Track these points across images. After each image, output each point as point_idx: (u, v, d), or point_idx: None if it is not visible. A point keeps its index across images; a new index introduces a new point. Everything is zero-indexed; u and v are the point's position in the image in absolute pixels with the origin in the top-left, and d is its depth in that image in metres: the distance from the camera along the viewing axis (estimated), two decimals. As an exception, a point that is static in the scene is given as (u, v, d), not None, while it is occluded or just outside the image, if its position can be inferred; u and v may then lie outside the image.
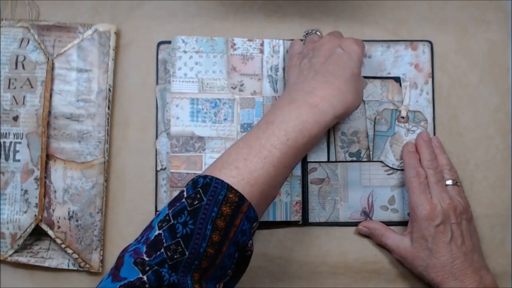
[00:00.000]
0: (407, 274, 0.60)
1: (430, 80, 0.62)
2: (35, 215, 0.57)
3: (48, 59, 0.58)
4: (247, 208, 0.44)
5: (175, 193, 0.57)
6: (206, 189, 0.43)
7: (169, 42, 0.60)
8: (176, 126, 0.58)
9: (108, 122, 0.59)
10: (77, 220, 0.58)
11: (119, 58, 0.61)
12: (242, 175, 0.45)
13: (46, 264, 0.58)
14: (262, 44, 0.60)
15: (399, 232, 0.60)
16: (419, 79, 0.61)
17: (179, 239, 0.42)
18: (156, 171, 0.60)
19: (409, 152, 0.59)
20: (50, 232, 0.57)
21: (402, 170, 0.60)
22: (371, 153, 0.61)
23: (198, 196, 0.43)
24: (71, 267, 0.58)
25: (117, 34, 0.60)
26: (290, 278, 0.59)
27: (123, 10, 0.62)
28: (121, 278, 0.41)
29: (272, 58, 0.60)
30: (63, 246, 0.57)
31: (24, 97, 0.58)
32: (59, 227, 0.57)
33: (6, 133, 0.58)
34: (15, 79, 0.59)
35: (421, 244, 0.55)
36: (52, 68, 0.59)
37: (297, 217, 0.59)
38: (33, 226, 0.57)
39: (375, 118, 0.61)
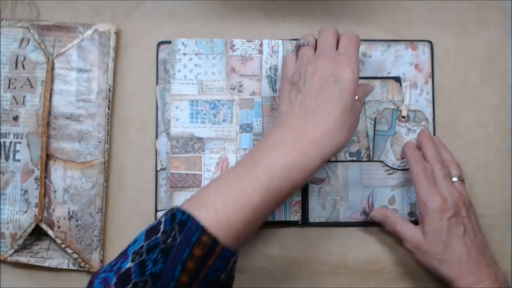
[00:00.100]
0: (407, 274, 0.60)
1: (430, 80, 0.61)
2: (35, 215, 0.57)
3: (48, 59, 0.59)
4: (221, 250, 0.43)
5: (175, 194, 0.58)
6: (181, 227, 0.43)
7: (169, 42, 0.60)
8: (176, 128, 0.58)
9: (108, 122, 0.59)
10: (77, 220, 0.58)
11: (119, 58, 0.61)
12: (219, 218, 0.44)
13: (46, 264, 0.58)
14: (261, 45, 0.60)
15: (399, 232, 0.60)
16: (419, 79, 0.61)
17: (148, 277, 0.42)
18: (156, 171, 0.60)
19: (412, 149, 0.59)
20: (50, 232, 0.57)
21: (403, 170, 0.60)
22: (371, 152, 0.61)
23: (173, 234, 0.43)
24: (71, 267, 0.58)
25: (117, 34, 0.60)
26: (290, 278, 0.59)
27: (123, 10, 0.62)
28: None
29: (271, 58, 0.60)
30: (63, 246, 0.57)
31: (24, 97, 0.58)
32: (59, 227, 0.57)
33: (6, 133, 0.58)
34: (15, 79, 0.59)
35: (435, 237, 0.54)
36: (52, 68, 0.59)
37: (297, 217, 0.59)
38: (33, 226, 0.57)
39: (375, 117, 0.61)
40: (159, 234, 0.43)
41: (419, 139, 0.60)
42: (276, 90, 0.60)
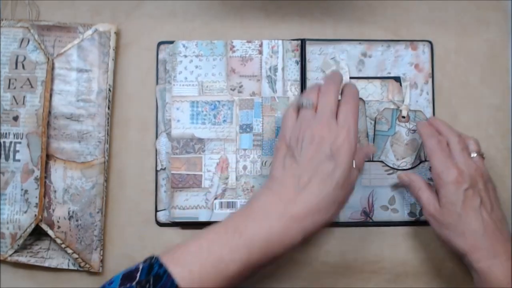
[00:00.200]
0: (407, 274, 0.60)
1: (430, 80, 0.61)
2: (35, 215, 0.57)
3: (48, 59, 0.58)
4: None
5: (176, 194, 0.58)
6: (156, 281, 0.43)
7: (169, 42, 0.60)
8: (176, 129, 0.58)
9: (108, 122, 0.59)
10: (77, 220, 0.58)
11: (119, 58, 0.61)
12: (193, 280, 0.44)
13: (46, 264, 0.58)
14: (261, 45, 0.60)
15: (400, 232, 0.60)
16: (419, 79, 0.61)
17: None
18: (156, 171, 0.60)
19: (425, 125, 0.57)
20: (50, 232, 0.57)
21: (403, 170, 0.60)
22: (371, 152, 0.61)
23: (147, 286, 0.43)
24: (71, 267, 0.58)
25: (117, 34, 0.60)
26: (290, 278, 0.60)
27: (123, 10, 0.62)
28: None
29: (271, 59, 0.60)
30: (63, 246, 0.57)
31: (24, 97, 0.58)
32: (59, 227, 0.57)
33: (6, 133, 0.58)
34: (15, 79, 0.59)
35: (449, 209, 0.53)
36: (52, 68, 0.59)
37: (297, 217, 0.59)
38: (33, 226, 0.57)
39: (375, 117, 0.61)
40: (134, 283, 0.43)
41: (430, 121, 0.59)
42: (276, 90, 0.60)
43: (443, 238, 0.54)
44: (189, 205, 0.58)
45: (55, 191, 0.58)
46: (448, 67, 0.62)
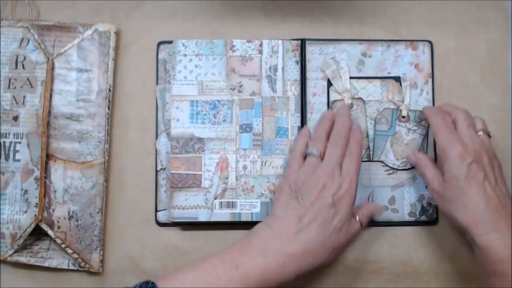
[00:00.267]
0: (407, 274, 0.60)
1: (430, 80, 0.61)
2: (35, 215, 0.57)
3: (48, 59, 0.59)
4: None
5: (176, 193, 0.58)
6: None
7: (169, 42, 0.60)
8: (176, 128, 0.58)
9: (108, 122, 0.59)
10: (77, 220, 0.58)
11: (119, 58, 0.61)
12: None
13: (46, 264, 0.58)
14: (261, 45, 0.60)
15: (400, 232, 0.60)
16: (419, 79, 0.61)
17: None
18: (156, 171, 0.60)
19: (430, 107, 0.59)
20: (50, 232, 0.57)
21: (403, 170, 0.60)
22: (371, 152, 0.61)
23: None
24: (71, 267, 0.58)
25: (117, 34, 0.60)
26: (290, 278, 0.60)
27: (123, 10, 0.62)
28: None
29: (271, 59, 0.60)
30: (63, 246, 0.57)
31: (24, 97, 0.58)
32: (59, 227, 0.57)
33: (6, 133, 0.58)
34: (15, 79, 0.59)
35: (452, 183, 0.52)
36: (52, 68, 0.59)
37: (297, 217, 0.59)
38: (33, 226, 0.57)
39: (375, 117, 0.61)
40: None
41: (437, 106, 0.60)
42: (276, 90, 0.60)
43: (446, 213, 0.54)
44: (188, 205, 0.58)
45: (55, 191, 0.58)
46: (448, 67, 0.62)
